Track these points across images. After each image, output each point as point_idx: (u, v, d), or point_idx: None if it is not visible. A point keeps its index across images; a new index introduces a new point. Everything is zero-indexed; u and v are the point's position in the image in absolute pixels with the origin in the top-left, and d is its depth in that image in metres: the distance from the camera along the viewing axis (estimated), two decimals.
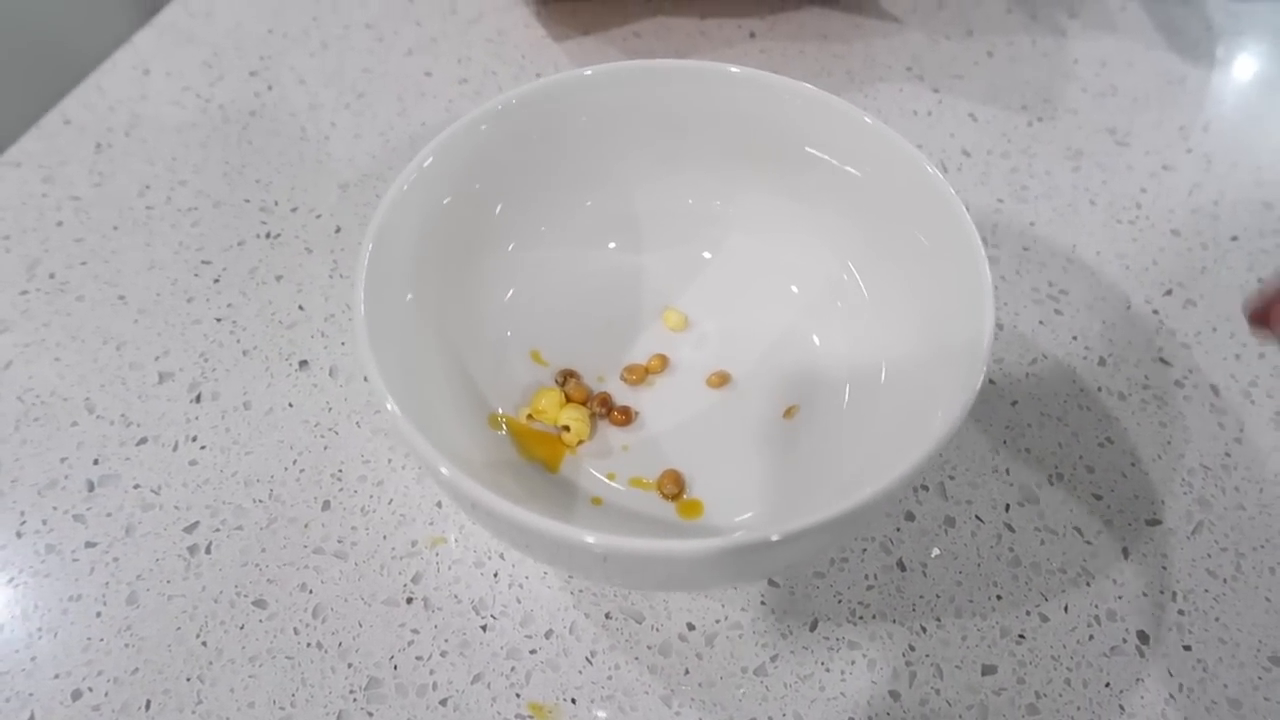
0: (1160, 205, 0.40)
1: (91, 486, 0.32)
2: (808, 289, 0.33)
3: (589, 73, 0.32)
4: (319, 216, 0.39)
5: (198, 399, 0.34)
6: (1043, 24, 0.46)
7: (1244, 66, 0.45)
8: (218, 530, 0.31)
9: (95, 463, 0.33)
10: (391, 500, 0.32)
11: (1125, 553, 0.31)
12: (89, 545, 0.31)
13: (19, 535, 0.31)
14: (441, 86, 0.44)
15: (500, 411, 0.32)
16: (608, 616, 0.30)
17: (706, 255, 0.35)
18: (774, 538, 0.23)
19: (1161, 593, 0.30)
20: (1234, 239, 0.38)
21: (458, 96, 0.43)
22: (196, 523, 0.32)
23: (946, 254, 0.29)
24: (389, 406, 0.25)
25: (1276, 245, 0.38)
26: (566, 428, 0.32)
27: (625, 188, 0.34)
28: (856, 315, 0.32)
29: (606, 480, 0.31)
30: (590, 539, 0.23)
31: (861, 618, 0.30)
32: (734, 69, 0.32)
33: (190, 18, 0.46)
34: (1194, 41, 0.46)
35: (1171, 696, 0.28)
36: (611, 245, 0.35)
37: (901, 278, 0.31)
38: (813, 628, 0.29)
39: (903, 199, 0.30)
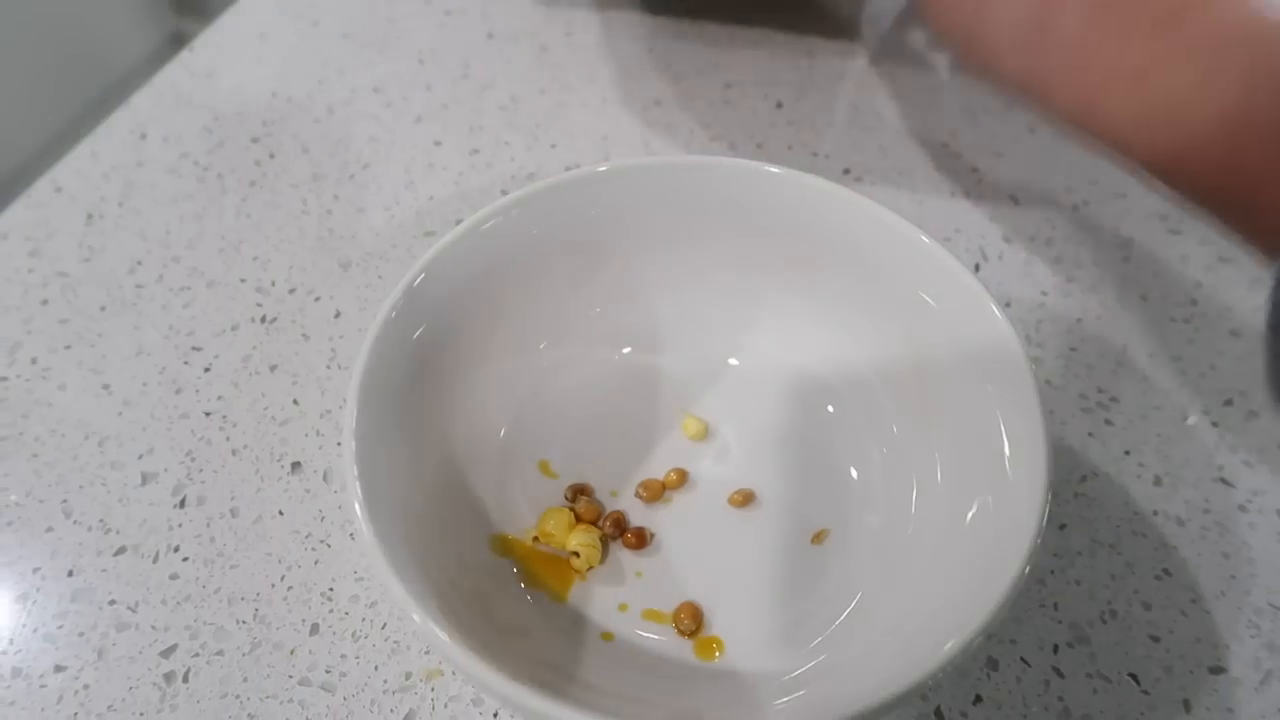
0: (1217, 301, 0.37)
1: (64, 601, 0.30)
2: (844, 410, 0.31)
3: (603, 169, 0.29)
4: (318, 299, 0.37)
5: (182, 503, 0.32)
6: None
7: None
8: (197, 655, 0.29)
9: (70, 574, 0.31)
10: (385, 625, 0.30)
11: (1186, 705, 0.28)
12: (58, 669, 0.29)
13: None
14: (451, 157, 0.41)
15: (505, 533, 0.29)
16: None
17: (733, 361, 0.32)
18: None
19: None
20: None
21: (468, 169, 0.41)
22: (174, 646, 0.29)
23: (998, 388, 0.26)
24: (363, 527, 0.23)
25: None
26: (576, 553, 0.29)
27: (643, 291, 0.32)
28: (895, 446, 0.29)
29: (618, 612, 0.29)
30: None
31: None
32: (772, 168, 0.29)
33: (191, 78, 0.44)
34: None
35: None
36: (626, 350, 0.32)
37: (947, 407, 0.28)
38: None
39: (954, 323, 0.28)
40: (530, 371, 0.32)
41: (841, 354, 0.31)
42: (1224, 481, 0.32)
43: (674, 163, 0.30)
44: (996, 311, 0.26)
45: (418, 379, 0.27)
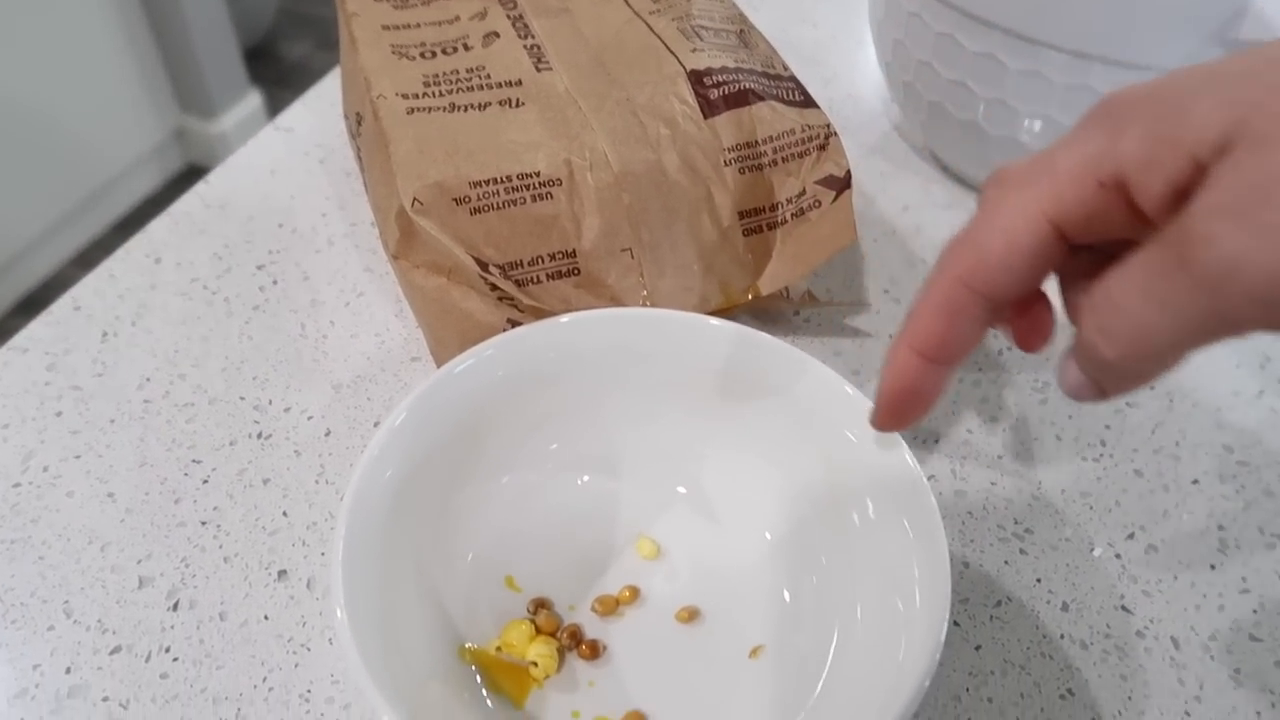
0: (1124, 444, 0.41)
1: (60, 697, 0.32)
2: (780, 538, 0.34)
3: (566, 320, 0.33)
4: (310, 418, 0.41)
5: (175, 606, 0.35)
6: None
7: None
8: None
9: (67, 671, 0.33)
10: None
11: None
12: None
13: None
14: None
15: (469, 645, 0.32)
16: None
17: (680, 490, 0.36)
18: None
19: None
20: (1195, 482, 0.40)
21: None
22: None
23: (913, 521, 0.30)
24: (343, 636, 0.26)
25: (1236, 491, 0.39)
26: (534, 662, 0.32)
27: (601, 426, 0.36)
28: (823, 575, 0.33)
29: (571, 718, 0.31)
30: None
31: None
32: (713, 322, 0.34)
33: (205, 209, 0.49)
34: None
35: None
36: (585, 478, 0.36)
37: (868, 535, 0.32)
38: None
39: (874, 464, 0.32)
40: (499, 496, 0.35)
41: (778, 486, 0.35)
42: (1124, 609, 0.36)
43: (626, 314, 0.34)
44: (908, 459, 0.30)
45: (398, 504, 0.31)
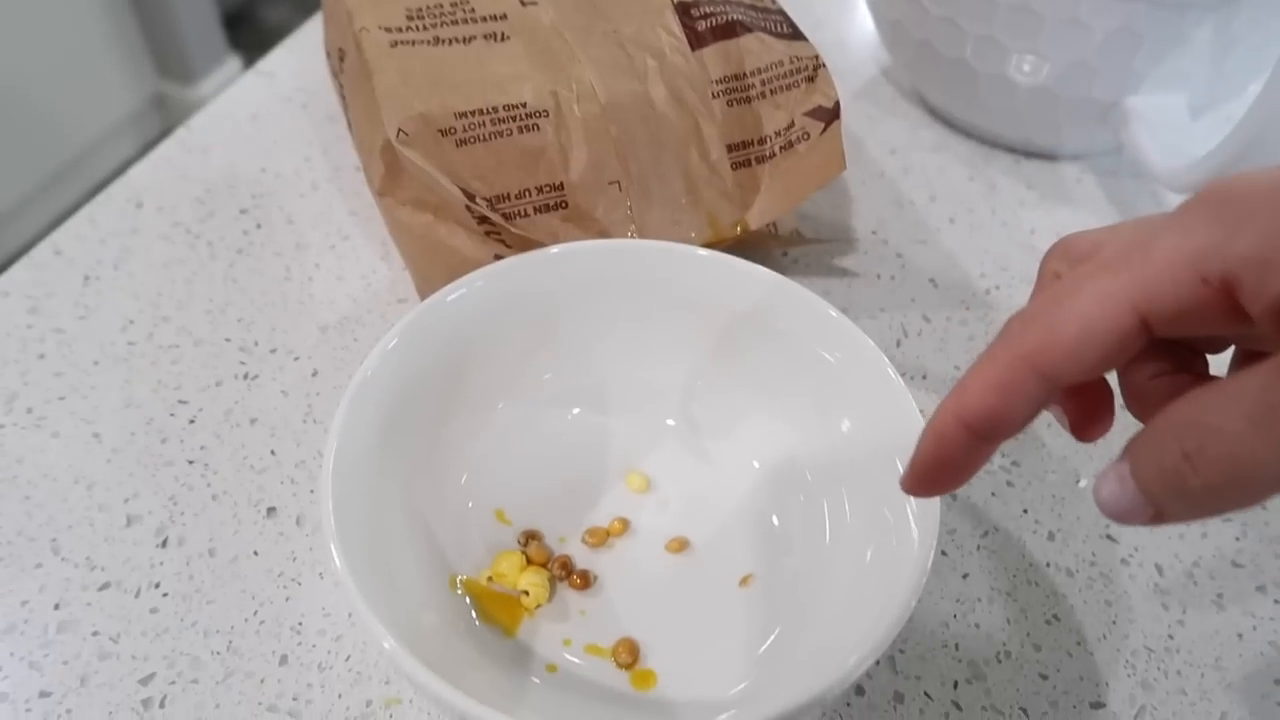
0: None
1: (50, 632, 0.32)
2: (768, 465, 0.35)
3: (556, 251, 0.33)
4: (297, 359, 0.40)
5: (164, 544, 0.35)
6: (1001, 193, 0.49)
7: None
8: (173, 683, 0.31)
9: (56, 607, 0.33)
10: (349, 657, 0.32)
11: None
12: (43, 695, 0.31)
13: None
14: None
15: (460, 575, 0.32)
16: None
17: (670, 422, 0.36)
18: None
19: None
20: None
21: None
22: (153, 674, 0.32)
23: (900, 445, 0.30)
24: (337, 563, 0.26)
25: None
26: (526, 591, 0.32)
27: (591, 358, 0.36)
28: (811, 496, 0.33)
29: (563, 646, 0.32)
30: None
31: None
32: (701, 252, 0.33)
33: (186, 154, 0.48)
34: (1144, 216, 0.48)
35: None
36: (576, 411, 0.36)
37: (855, 461, 0.32)
38: None
39: (860, 387, 0.32)
40: (489, 429, 0.35)
41: (767, 414, 0.35)
42: (1109, 538, 0.36)
43: (616, 245, 0.34)
44: (892, 373, 0.30)
45: (388, 433, 0.31)
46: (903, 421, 0.30)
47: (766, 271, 0.33)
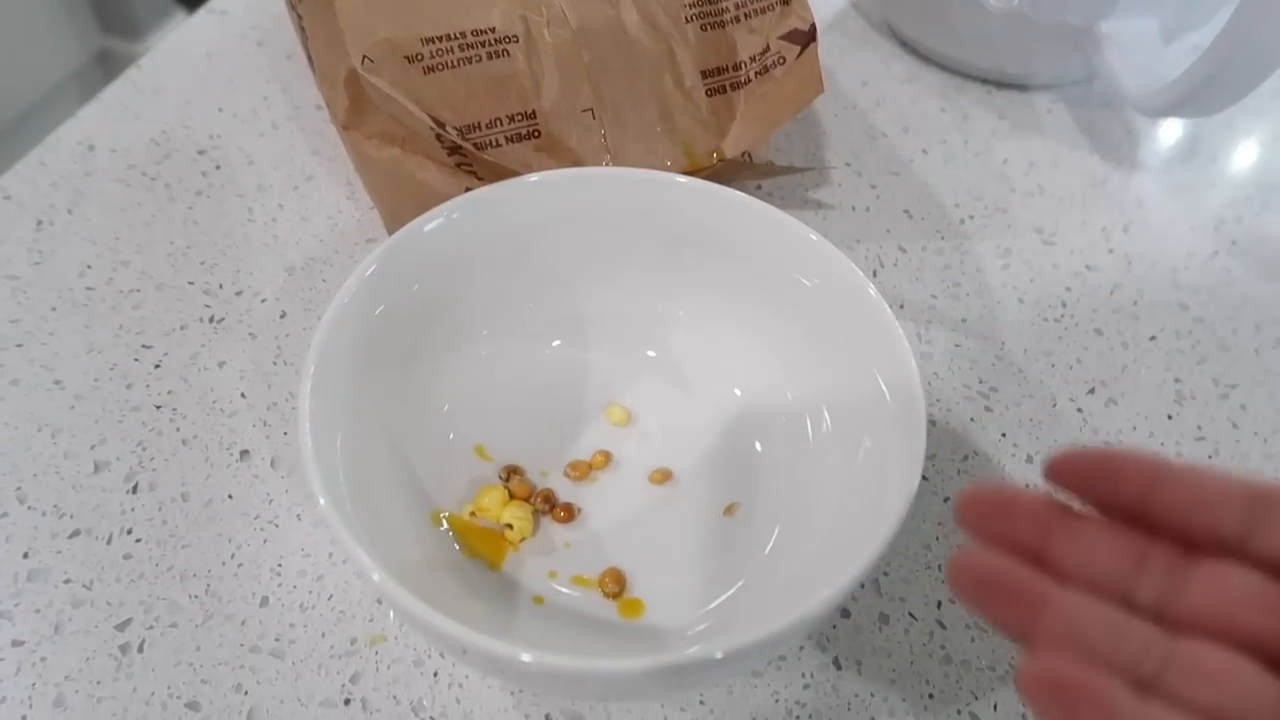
0: (1084, 305, 0.41)
1: (20, 581, 0.31)
2: (750, 392, 0.34)
3: (534, 179, 0.32)
4: (264, 300, 0.39)
5: (134, 489, 0.34)
6: (974, 124, 0.48)
7: (1161, 171, 0.47)
8: (151, 627, 0.31)
9: (25, 556, 0.32)
10: (331, 596, 0.32)
11: None
12: (15, 644, 0.30)
13: None
14: None
15: (443, 511, 0.32)
16: (548, 718, 0.30)
17: (650, 354, 0.36)
18: (717, 655, 0.23)
19: None
20: (1152, 339, 0.40)
21: None
22: (129, 620, 0.31)
23: (882, 367, 0.30)
24: (322, 503, 0.25)
25: (1191, 346, 0.40)
26: (509, 525, 0.32)
27: (571, 289, 0.35)
28: (794, 420, 0.33)
29: (548, 578, 0.31)
30: (526, 657, 0.23)
31: (799, 718, 0.30)
32: (681, 179, 0.33)
33: (138, 94, 0.46)
34: (1115, 145, 0.48)
35: None
36: (556, 343, 0.35)
37: (838, 385, 0.32)
38: None
39: (841, 310, 0.31)
40: (468, 363, 0.34)
41: (744, 342, 0.34)
42: None
43: (596, 173, 0.33)
44: (873, 293, 0.30)
45: (366, 365, 0.30)
46: (885, 340, 0.30)
47: (747, 197, 0.33)
